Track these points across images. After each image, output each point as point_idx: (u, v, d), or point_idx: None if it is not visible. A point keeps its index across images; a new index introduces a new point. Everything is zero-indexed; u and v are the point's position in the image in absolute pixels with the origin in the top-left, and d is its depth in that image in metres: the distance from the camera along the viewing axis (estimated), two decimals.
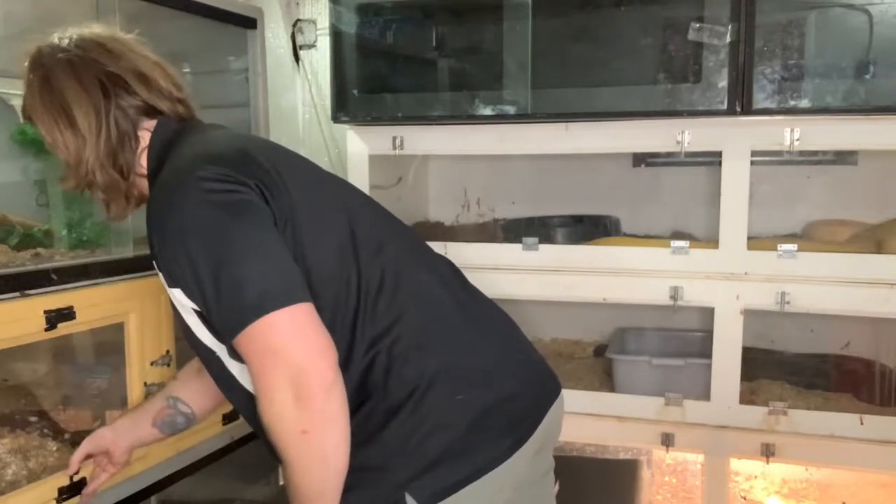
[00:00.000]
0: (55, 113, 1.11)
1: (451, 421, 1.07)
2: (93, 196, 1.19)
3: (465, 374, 1.11)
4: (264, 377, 0.97)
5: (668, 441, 1.93)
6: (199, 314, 1.06)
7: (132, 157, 1.15)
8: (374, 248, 1.12)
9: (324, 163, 2.54)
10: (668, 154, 2.08)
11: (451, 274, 1.26)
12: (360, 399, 1.07)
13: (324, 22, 2.36)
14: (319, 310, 1.01)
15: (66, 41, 1.16)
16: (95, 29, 1.19)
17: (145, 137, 1.16)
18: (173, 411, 1.41)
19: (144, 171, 1.16)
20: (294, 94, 2.56)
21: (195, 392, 1.41)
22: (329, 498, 1.01)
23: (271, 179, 1.05)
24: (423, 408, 1.06)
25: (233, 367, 1.10)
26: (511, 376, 1.17)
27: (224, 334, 1.01)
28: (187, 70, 2.09)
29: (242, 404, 1.13)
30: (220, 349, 1.10)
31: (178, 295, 1.04)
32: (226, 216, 0.99)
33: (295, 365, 0.95)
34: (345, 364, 1.04)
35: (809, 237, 2.06)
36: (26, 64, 1.16)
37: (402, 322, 1.09)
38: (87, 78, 1.11)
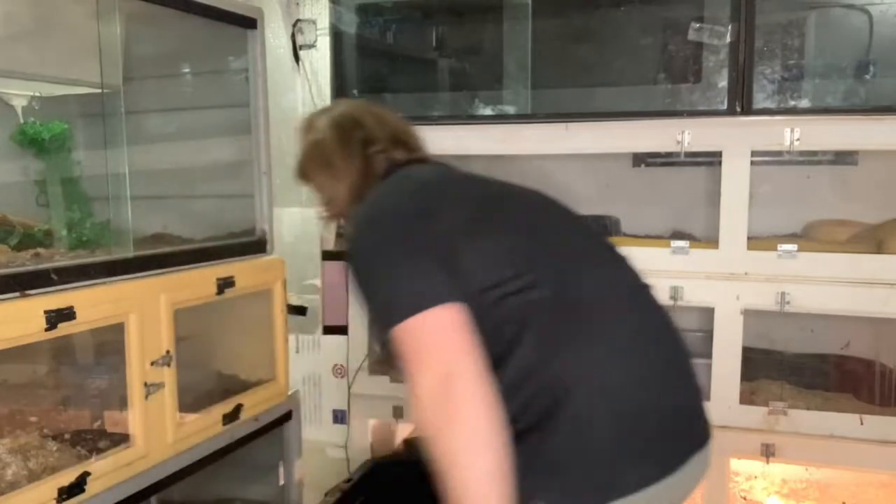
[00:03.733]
0: (324, 167, 1.38)
1: (591, 436, 1.05)
2: (333, 220, 1.48)
3: (605, 397, 1.08)
4: (412, 375, 1.04)
5: None
6: None
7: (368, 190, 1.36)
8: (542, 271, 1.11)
9: None
10: (668, 154, 2.08)
11: (623, 292, 1.21)
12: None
13: (324, 22, 2.36)
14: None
15: (335, 111, 1.43)
16: (358, 103, 1.48)
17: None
18: None
19: None
20: (294, 94, 2.56)
21: None
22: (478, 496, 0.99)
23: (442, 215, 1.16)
24: (559, 423, 1.04)
25: None
26: (660, 400, 1.12)
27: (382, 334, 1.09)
28: (187, 70, 2.09)
29: None
30: None
31: None
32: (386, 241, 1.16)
33: (443, 364, 1.01)
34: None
35: (809, 237, 2.06)
36: (301, 128, 1.43)
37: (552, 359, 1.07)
38: (348, 139, 1.36)
